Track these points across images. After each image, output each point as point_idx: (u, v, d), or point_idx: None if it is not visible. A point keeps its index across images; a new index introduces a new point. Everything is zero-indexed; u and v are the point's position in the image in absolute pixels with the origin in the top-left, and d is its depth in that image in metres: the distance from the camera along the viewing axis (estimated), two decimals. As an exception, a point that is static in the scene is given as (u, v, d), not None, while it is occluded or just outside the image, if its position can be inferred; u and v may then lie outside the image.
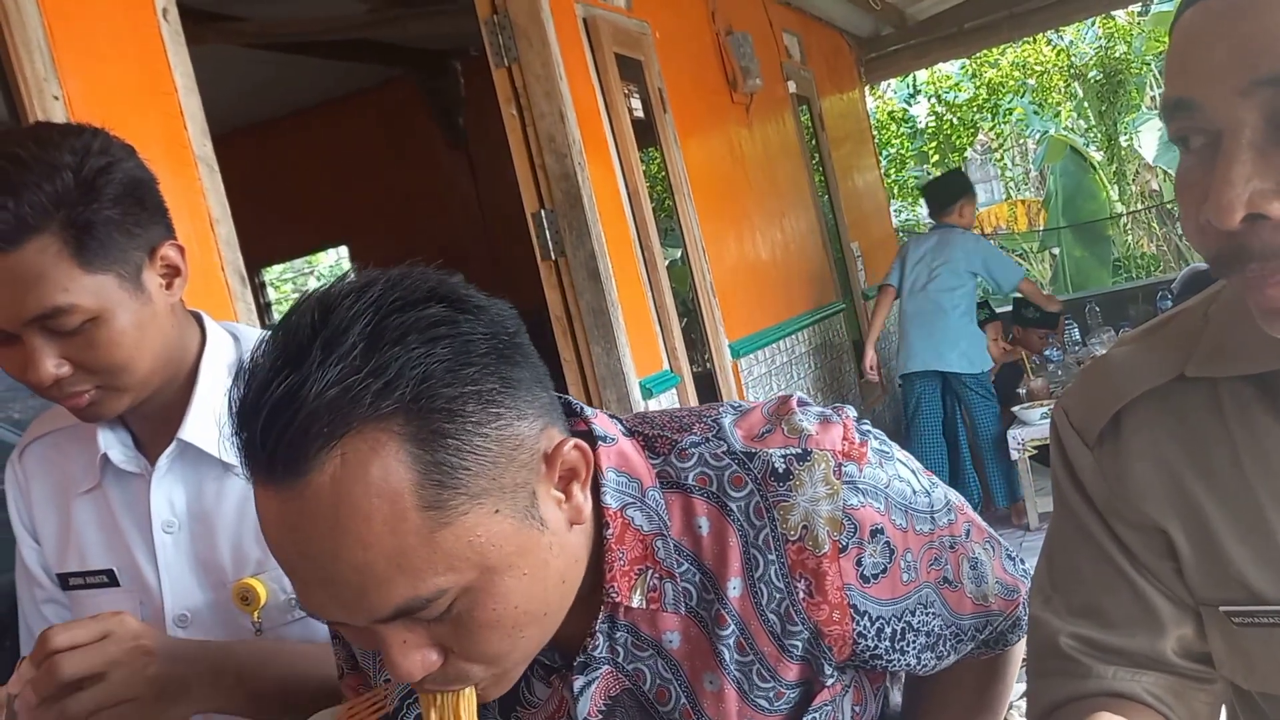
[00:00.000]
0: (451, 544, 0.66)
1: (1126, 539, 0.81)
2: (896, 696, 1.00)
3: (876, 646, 0.83)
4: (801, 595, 0.79)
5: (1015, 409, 4.93)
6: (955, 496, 0.91)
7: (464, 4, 4.27)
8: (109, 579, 1.14)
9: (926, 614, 0.86)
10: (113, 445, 1.14)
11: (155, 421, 1.13)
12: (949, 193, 5.19)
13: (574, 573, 0.76)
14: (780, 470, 0.79)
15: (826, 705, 0.84)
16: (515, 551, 0.70)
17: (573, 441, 0.74)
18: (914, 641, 0.85)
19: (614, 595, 0.80)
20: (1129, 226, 11.41)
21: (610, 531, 0.79)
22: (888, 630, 0.83)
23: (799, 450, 0.80)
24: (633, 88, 3.73)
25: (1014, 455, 4.83)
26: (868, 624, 0.81)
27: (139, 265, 1.03)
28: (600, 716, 0.83)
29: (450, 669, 0.72)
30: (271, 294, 8.27)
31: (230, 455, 1.10)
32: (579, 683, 0.82)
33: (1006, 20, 7.12)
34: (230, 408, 0.68)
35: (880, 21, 6.94)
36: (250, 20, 4.48)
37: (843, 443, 0.81)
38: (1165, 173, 10.81)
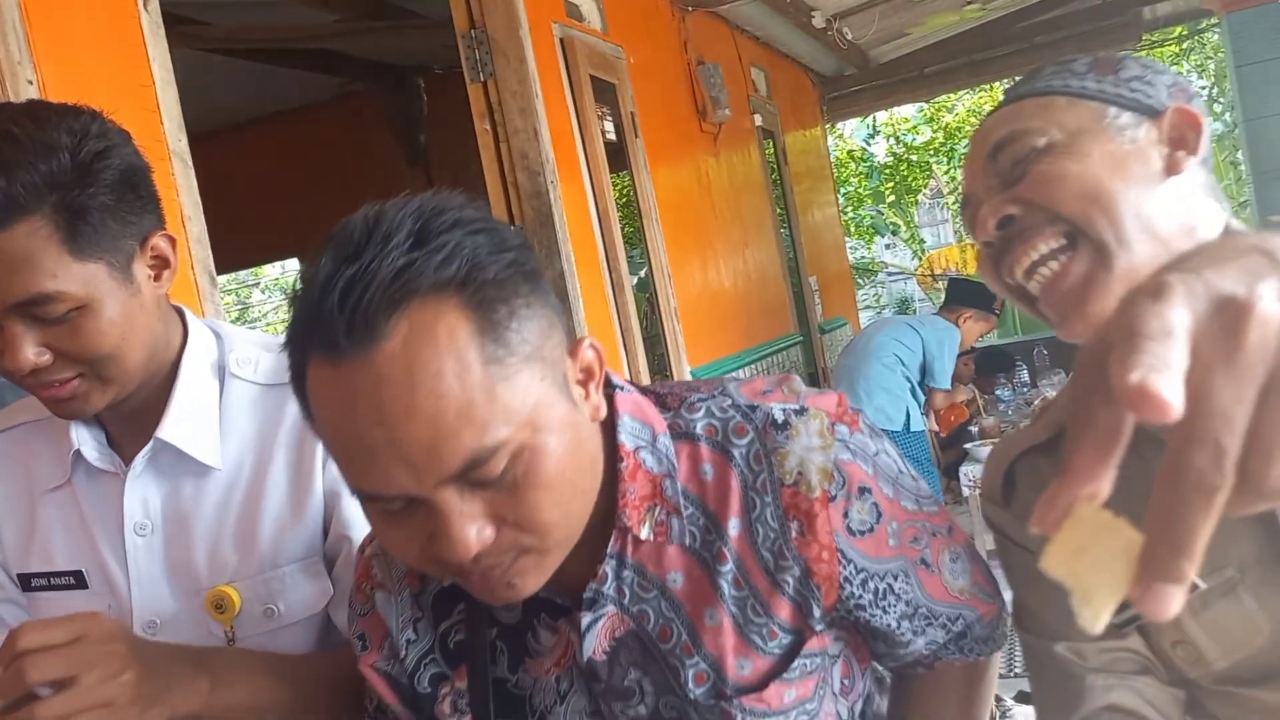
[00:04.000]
0: (509, 398, 0.72)
1: None
2: (883, 705, 1.03)
3: (861, 597, 0.87)
4: (794, 534, 0.85)
5: (967, 445, 4.97)
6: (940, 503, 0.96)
7: (435, 19, 4.25)
8: (76, 580, 1.08)
9: (906, 583, 0.90)
10: (86, 442, 1.09)
11: (132, 419, 1.08)
12: (962, 296, 4.84)
13: (597, 469, 0.82)
14: (779, 420, 0.86)
15: (816, 655, 0.88)
16: (559, 420, 0.75)
17: (589, 341, 0.81)
18: (894, 605, 0.90)
19: (625, 520, 0.84)
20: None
21: (624, 465, 0.85)
22: (871, 585, 0.88)
23: (797, 406, 0.87)
24: (606, 110, 3.72)
25: (965, 492, 4.85)
26: (853, 571, 0.86)
27: (130, 254, 0.99)
28: (605, 657, 0.87)
29: (504, 539, 0.75)
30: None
31: (210, 456, 1.07)
32: (586, 619, 0.86)
33: (965, 66, 7.29)
34: (296, 307, 0.74)
35: (844, 61, 7.05)
36: (216, 26, 4.41)
37: (837, 408, 0.88)
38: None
